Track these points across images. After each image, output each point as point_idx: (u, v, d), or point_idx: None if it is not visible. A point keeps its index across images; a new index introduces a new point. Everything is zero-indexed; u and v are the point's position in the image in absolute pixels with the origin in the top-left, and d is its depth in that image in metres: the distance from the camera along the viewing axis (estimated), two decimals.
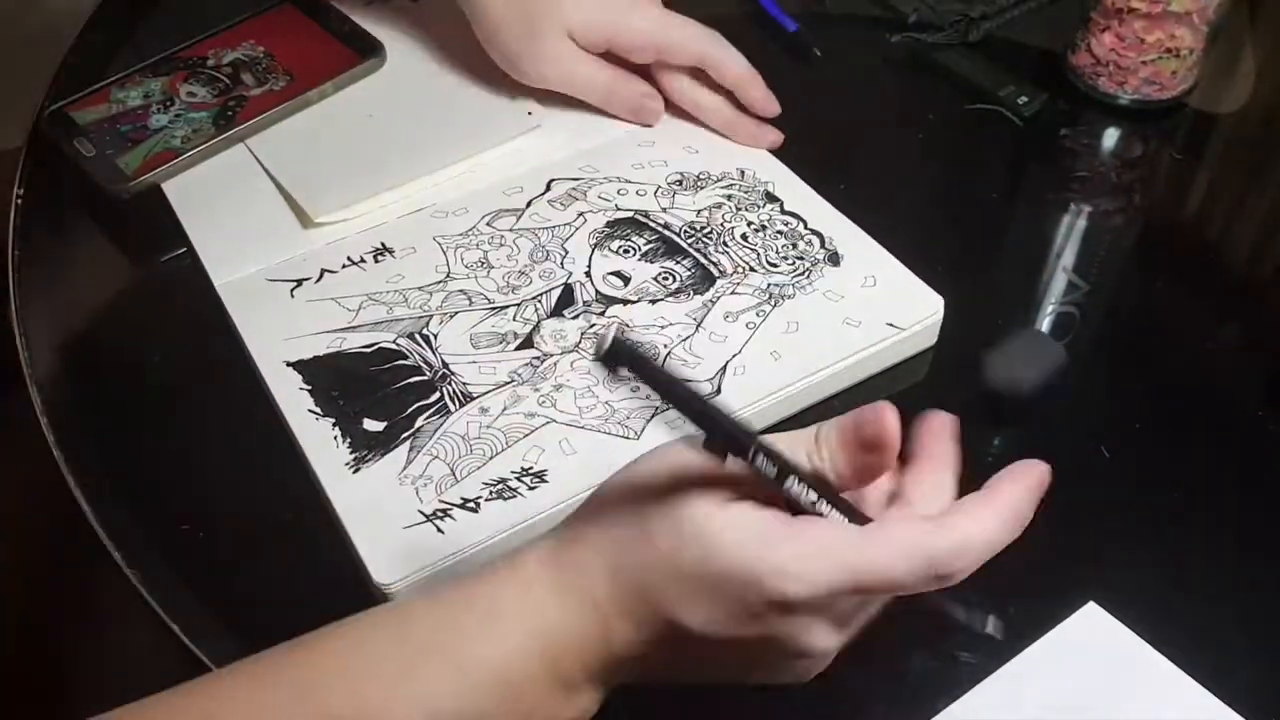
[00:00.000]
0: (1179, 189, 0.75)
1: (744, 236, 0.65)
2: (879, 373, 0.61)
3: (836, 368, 0.59)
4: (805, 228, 0.65)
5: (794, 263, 0.63)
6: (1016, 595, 0.52)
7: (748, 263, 0.63)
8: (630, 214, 0.66)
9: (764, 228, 0.65)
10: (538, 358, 0.59)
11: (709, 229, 0.65)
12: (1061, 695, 0.49)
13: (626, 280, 0.63)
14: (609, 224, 0.66)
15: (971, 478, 0.57)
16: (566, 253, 0.64)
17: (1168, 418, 0.60)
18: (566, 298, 0.62)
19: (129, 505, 0.55)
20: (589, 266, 0.63)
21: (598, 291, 0.62)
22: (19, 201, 0.70)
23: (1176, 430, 0.60)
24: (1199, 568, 0.54)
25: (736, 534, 0.40)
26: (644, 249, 0.64)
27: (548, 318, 0.61)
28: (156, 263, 0.67)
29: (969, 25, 0.80)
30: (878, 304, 0.61)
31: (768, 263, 0.63)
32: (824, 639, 0.41)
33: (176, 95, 0.73)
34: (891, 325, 0.60)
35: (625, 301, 0.62)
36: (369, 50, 0.75)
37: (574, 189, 0.68)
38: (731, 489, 0.41)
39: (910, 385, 0.61)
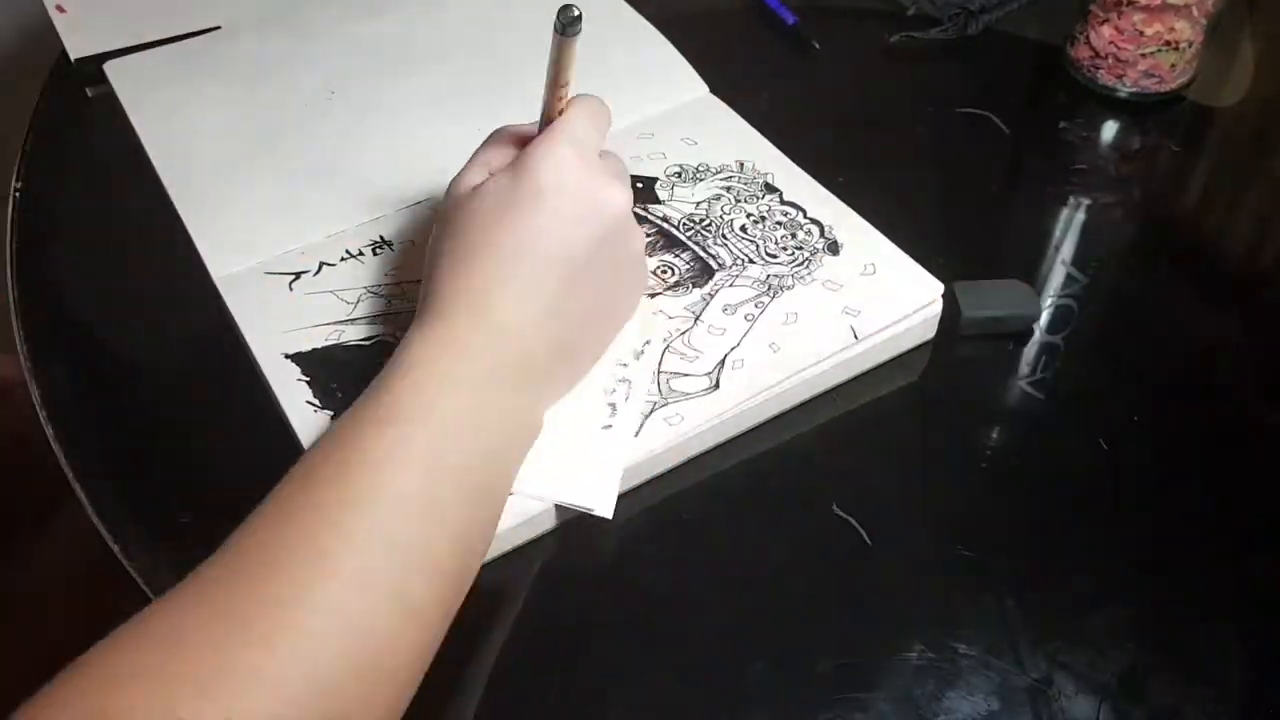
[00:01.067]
0: (1178, 182, 0.75)
1: (743, 228, 0.65)
2: (877, 366, 0.61)
3: (835, 361, 0.59)
4: (805, 217, 0.65)
5: (793, 253, 0.63)
6: (1015, 593, 0.52)
7: (747, 255, 0.63)
8: None
9: (763, 219, 0.65)
10: None
11: (708, 221, 0.65)
12: None
13: None
14: None
15: (971, 477, 0.57)
16: None
17: (1166, 410, 0.60)
18: None
19: (128, 498, 0.55)
20: None
21: None
22: (17, 194, 0.70)
23: (1175, 422, 0.60)
24: (1198, 565, 0.54)
25: (559, 177, 0.52)
26: None
27: None
28: (155, 256, 0.67)
29: (968, 19, 0.80)
30: (877, 291, 0.61)
31: (767, 254, 0.63)
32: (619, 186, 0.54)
33: None
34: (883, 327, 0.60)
35: None
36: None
37: None
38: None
39: (910, 383, 0.61)
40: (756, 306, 0.61)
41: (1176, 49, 0.73)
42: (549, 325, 0.52)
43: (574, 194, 0.52)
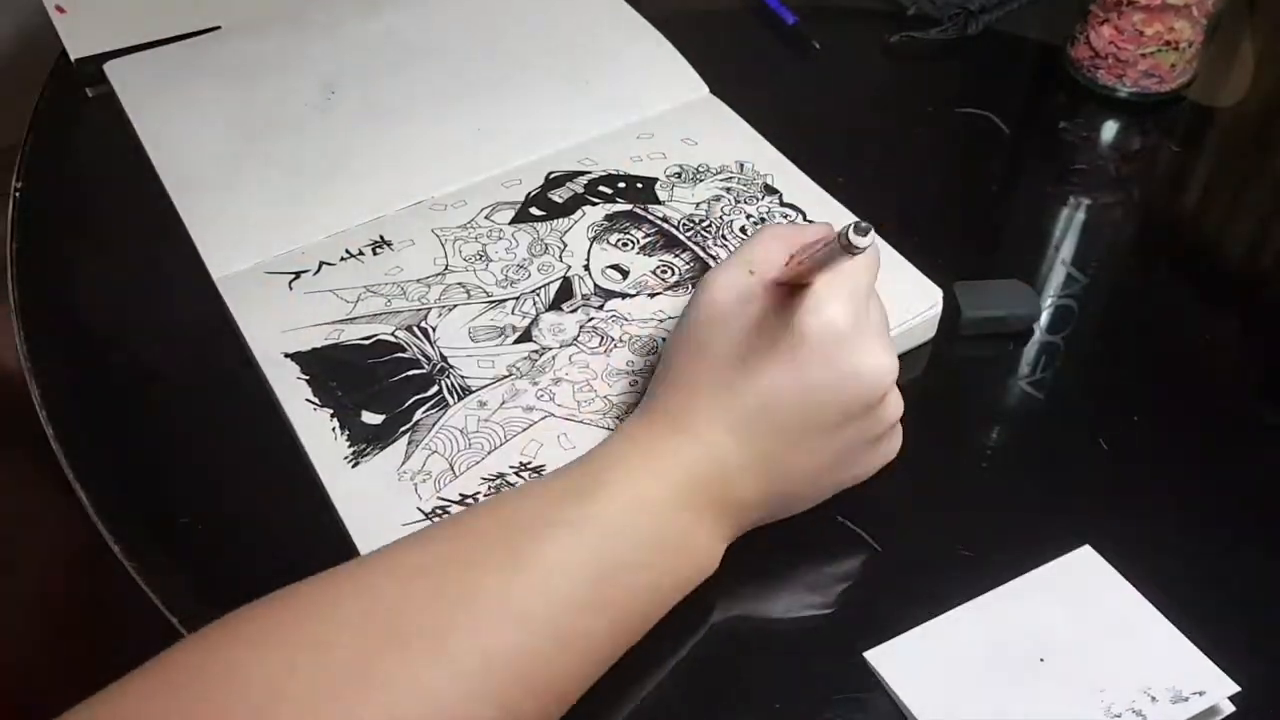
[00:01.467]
0: (1178, 182, 0.75)
1: (743, 229, 0.65)
2: None
3: None
4: (805, 220, 0.65)
5: None
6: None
7: None
8: (629, 207, 0.66)
9: (763, 220, 0.65)
10: (536, 351, 0.59)
11: (707, 222, 0.65)
12: (1039, 624, 0.50)
13: (625, 273, 0.63)
14: (607, 217, 0.66)
15: (971, 477, 0.57)
16: (565, 246, 0.64)
17: (1166, 410, 0.60)
18: (565, 291, 0.62)
19: (128, 498, 0.56)
20: (587, 260, 0.63)
21: (596, 285, 0.62)
22: (17, 194, 0.70)
23: (1175, 423, 0.60)
24: (1197, 562, 0.54)
25: (823, 336, 0.47)
26: (642, 242, 0.64)
27: (546, 311, 0.61)
28: (155, 256, 0.67)
29: (968, 19, 0.80)
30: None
31: None
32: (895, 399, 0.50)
33: None
34: None
35: (624, 295, 0.62)
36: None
37: (573, 182, 0.68)
38: (788, 295, 0.47)
39: (909, 380, 0.61)
40: None
41: (1176, 49, 0.73)
42: (768, 478, 0.48)
43: (838, 360, 0.47)
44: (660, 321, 0.60)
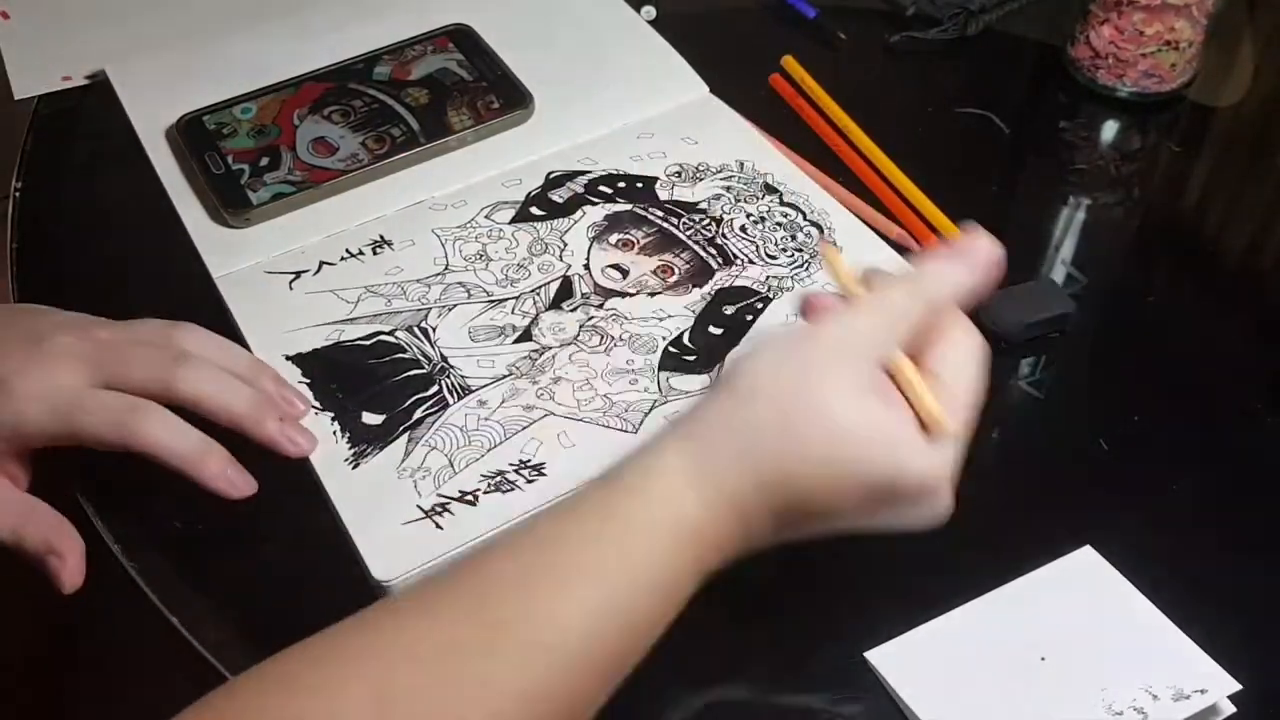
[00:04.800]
0: (1177, 182, 0.75)
1: (743, 228, 0.65)
2: None
3: None
4: (804, 219, 0.65)
5: (793, 255, 0.63)
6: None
7: (746, 255, 0.63)
8: (629, 207, 0.66)
9: (763, 219, 0.65)
10: (536, 350, 0.59)
11: (707, 221, 0.65)
12: (1040, 623, 0.50)
13: (625, 273, 0.63)
14: (607, 217, 0.66)
15: (970, 477, 0.57)
16: (565, 245, 0.64)
17: (1166, 410, 0.60)
18: (565, 290, 0.62)
19: (127, 499, 0.55)
20: (587, 259, 0.63)
21: (596, 284, 0.62)
22: (17, 194, 0.70)
23: (1174, 423, 0.60)
24: (1197, 561, 0.54)
25: (870, 433, 0.44)
26: (642, 242, 0.64)
27: (546, 310, 0.61)
28: (155, 256, 0.67)
29: (968, 19, 0.80)
30: None
31: (767, 255, 0.63)
32: (946, 491, 0.46)
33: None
34: None
35: (624, 294, 0.62)
36: (518, 100, 0.71)
37: (573, 182, 0.68)
38: (854, 371, 0.45)
39: None
40: (760, 304, 0.61)
41: (1177, 49, 0.73)
42: (781, 535, 0.46)
43: (858, 449, 0.44)
44: (660, 320, 0.60)
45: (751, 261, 0.63)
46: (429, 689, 0.40)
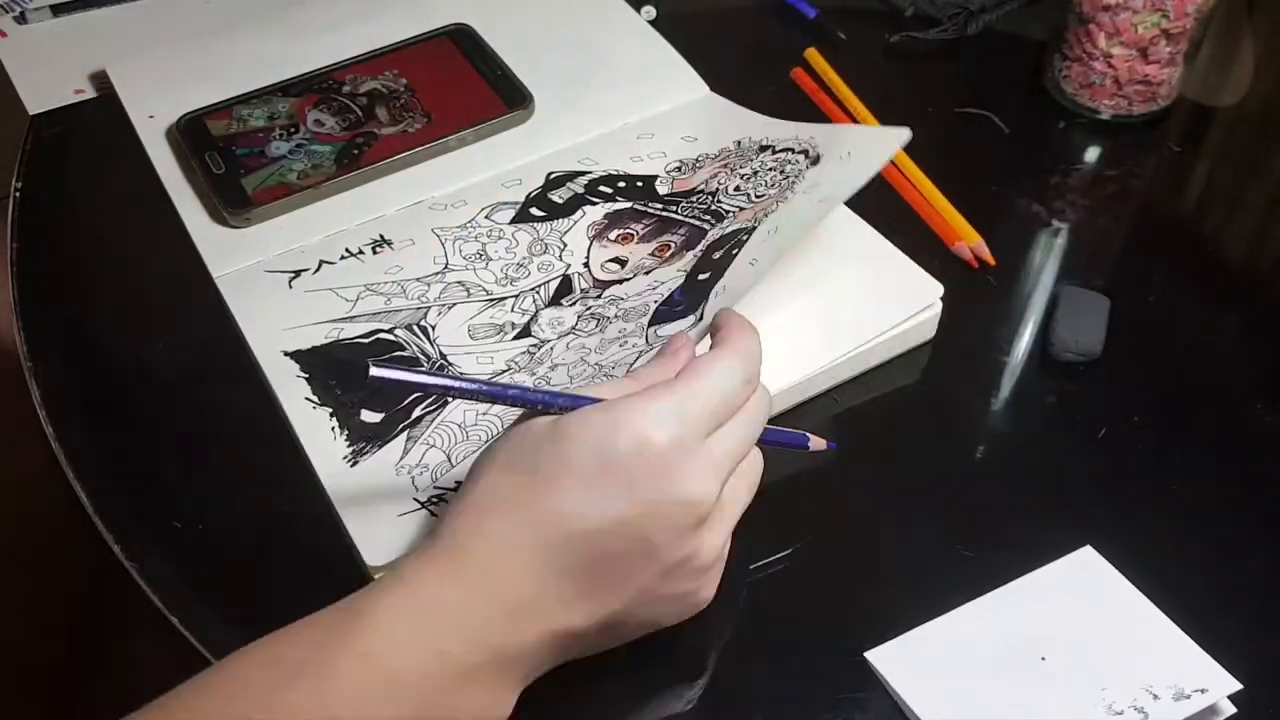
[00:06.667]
0: (1178, 182, 0.75)
1: (736, 188, 0.64)
2: (878, 365, 0.61)
3: (835, 361, 0.59)
4: (793, 153, 0.64)
5: (779, 184, 0.63)
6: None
7: (738, 205, 0.63)
8: (629, 206, 0.66)
9: (755, 173, 0.65)
10: (535, 345, 0.59)
11: (702, 194, 0.65)
12: (1041, 623, 0.50)
13: (624, 263, 0.63)
14: (607, 216, 0.66)
15: (971, 477, 0.57)
16: (565, 246, 0.64)
17: (1166, 410, 0.60)
18: (564, 288, 0.62)
19: (127, 497, 0.55)
20: (587, 257, 0.63)
21: (595, 279, 0.62)
22: (17, 194, 0.70)
23: (1174, 423, 0.60)
24: (1197, 561, 0.54)
25: (586, 418, 0.43)
26: (641, 233, 0.64)
27: (546, 307, 0.61)
28: (155, 255, 0.67)
29: (968, 19, 0.80)
30: (876, 292, 0.61)
31: (756, 196, 0.63)
32: (712, 528, 0.45)
33: (303, 122, 0.69)
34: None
35: (622, 281, 0.62)
36: (518, 100, 0.71)
37: (573, 182, 0.68)
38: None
39: (910, 383, 0.61)
40: (745, 235, 0.59)
41: (1150, 84, 0.73)
42: (560, 618, 0.43)
43: (648, 483, 0.43)
44: (654, 289, 0.60)
45: (742, 208, 0.62)
46: None
